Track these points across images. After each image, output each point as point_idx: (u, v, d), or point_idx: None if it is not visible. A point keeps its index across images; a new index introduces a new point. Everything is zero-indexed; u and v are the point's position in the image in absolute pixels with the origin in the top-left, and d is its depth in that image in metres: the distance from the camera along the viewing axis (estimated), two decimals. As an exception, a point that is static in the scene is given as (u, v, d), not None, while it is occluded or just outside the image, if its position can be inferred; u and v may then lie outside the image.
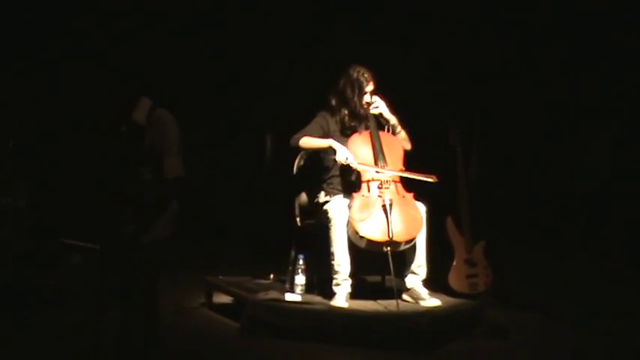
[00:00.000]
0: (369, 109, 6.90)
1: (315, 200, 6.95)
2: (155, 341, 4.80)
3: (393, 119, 6.99)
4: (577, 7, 9.04)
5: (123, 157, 4.73)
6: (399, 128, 7.00)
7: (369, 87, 6.89)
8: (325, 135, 6.87)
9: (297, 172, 7.06)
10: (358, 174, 6.77)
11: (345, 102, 6.91)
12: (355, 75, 6.88)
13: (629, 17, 8.92)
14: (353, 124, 6.92)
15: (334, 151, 6.73)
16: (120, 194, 4.68)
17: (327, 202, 6.81)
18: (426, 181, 6.73)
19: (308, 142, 6.81)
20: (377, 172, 6.75)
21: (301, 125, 6.87)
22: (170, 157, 4.68)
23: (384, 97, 6.98)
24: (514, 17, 9.11)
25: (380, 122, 6.98)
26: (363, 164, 6.74)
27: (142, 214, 4.68)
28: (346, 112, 6.91)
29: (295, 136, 6.76)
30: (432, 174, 6.72)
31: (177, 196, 4.81)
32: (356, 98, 6.87)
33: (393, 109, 7.01)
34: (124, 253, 4.70)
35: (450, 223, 7.15)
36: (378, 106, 6.94)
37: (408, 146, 7.03)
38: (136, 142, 4.69)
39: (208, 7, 9.22)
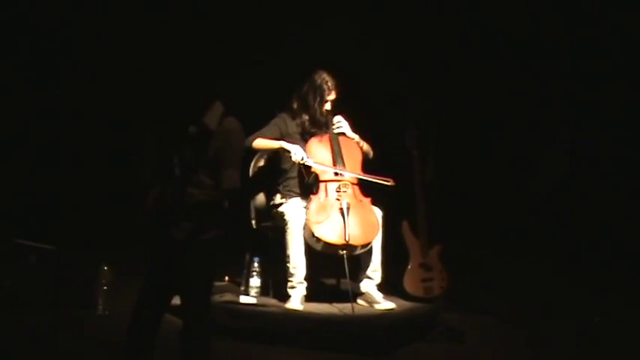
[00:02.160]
0: (332, 128, 6.89)
1: (271, 202, 6.94)
2: (206, 340, 4.79)
3: (355, 137, 6.99)
4: (535, 7, 9.09)
5: (187, 159, 4.71)
6: (362, 143, 7.00)
7: (331, 96, 6.88)
8: (283, 137, 6.85)
9: (253, 173, 7.04)
10: (316, 176, 6.76)
11: (306, 107, 6.90)
12: (319, 82, 6.87)
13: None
14: (313, 130, 6.91)
15: (288, 152, 6.72)
16: (179, 196, 4.68)
17: (283, 204, 6.79)
18: (383, 184, 6.74)
19: (261, 143, 6.78)
20: (335, 173, 6.74)
21: (259, 127, 6.85)
22: (230, 168, 4.70)
23: (347, 117, 6.98)
24: (473, 17, 9.12)
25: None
26: (320, 164, 6.73)
27: (197, 214, 4.69)
28: (306, 117, 6.90)
29: (249, 138, 6.67)
30: (389, 177, 6.73)
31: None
32: (317, 105, 6.87)
33: (353, 125, 7.01)
34: (178, 253, 4.67)
35: (405, 226, 7.16)
36: (342, 126, 6.95)
37: (371, 155, 7.03)
38: (202, 146, 4.69)
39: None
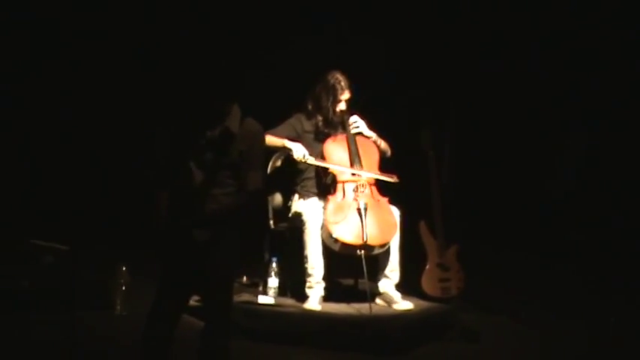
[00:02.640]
0: (348, 128, 6.89)
1: (289, 203, 6.94)
2: (227, 340, 4.82)
3: (372, 135, 7.00)
4: (551, 9, 9.07)
5: (209, 162, 4.73)
6: (379, 141, 7.00)
7: (345, 95, 6.87)
8: (298, 136, 6.86)
9: (270, 173, 7.05)
10: (333, 177, 6.77)
11: (319, 108, 6.90)
12: (332, 82, 6.86)
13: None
14: (327, 130, 6.91)
15: (289, 150, 6.73)
16: (203, 198, 4.71)
17: (301, 204, 6.80)
18: (386, 181, 6.77)
19: (268, 140, 6.76)
20: (352, 173, 6.74)
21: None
22: (254, 170, 4.76)
23: (362, 116, 6.98)
24: (488, 19, 9.11)
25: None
26: (321, 161, 6.75)
27: (221, 216, 4.72)
28: (320, 118, 6.90)
29: None
30: (394, 174, 6.75)
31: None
32: (330, 105, 6.86)
33: (370, 124, 7.01)
34: (201, 253, 4.70)
35: (423, 227, 7.16)
36: (359, 125, 6.95)
37: (389, 153, 7.03)
38: (224, 149, 4.72)
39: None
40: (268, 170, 6.98)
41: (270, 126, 6.70)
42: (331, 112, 6.87)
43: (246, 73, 4.81)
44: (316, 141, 6.88)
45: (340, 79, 6.85)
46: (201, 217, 4.70)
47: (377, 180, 6.83)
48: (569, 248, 9.01)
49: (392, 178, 6.78)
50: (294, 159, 6.75)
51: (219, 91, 4.76)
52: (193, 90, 5.04)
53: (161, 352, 4.79)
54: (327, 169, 6.77)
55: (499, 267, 8.56)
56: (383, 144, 7.01)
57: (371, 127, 7.02)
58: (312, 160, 6.73)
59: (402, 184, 6.80)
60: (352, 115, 6.96)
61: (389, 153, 7.03)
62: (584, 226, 9.17)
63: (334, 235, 6.52)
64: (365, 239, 6.46)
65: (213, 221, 4.69)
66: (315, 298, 6.58)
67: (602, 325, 7.21)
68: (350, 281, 7.22)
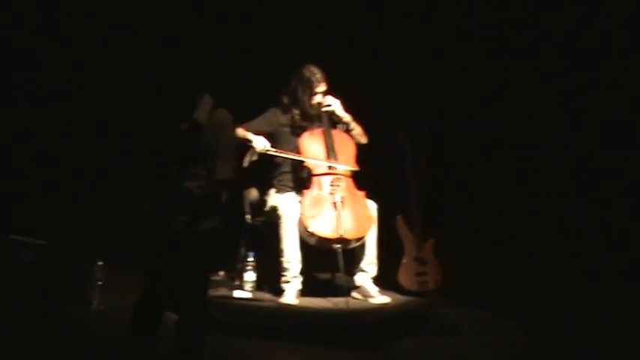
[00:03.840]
0: (322, 109, 6.90)
1: (265, 197, 6.94)
2: (202, 332, 4.84)
3: (346, 117, 6.99)
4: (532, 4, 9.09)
5: (181, 154, 4.76)
6: (352, 124, 7.00)
7: (321, 88, 6.88)
8: (274, 130, 6.87)
9: (247, 167, 7.04)
10: (309, 171, 6.78)
11: (295, 101, 6.90)
12: (307, 75, 6.87)
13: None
14: (304, 124, 6.91)
15: (249, 141, 6.74)
16: (175, 190, 4.73)
17: (277, 198, 6.79)
18: (350, 170, 6.81)
19: (238, 133, 6.76)
20: (328, 167, 6.74)
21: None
22: (222, 160, 4.78)
23: (337, 95, 6.98)
24: (469, 9, 9.11)
25: (333, 121, 6.98)
26: (282, 152, 6.76)
27: (194, 207, 4.73)
28: (297, 111, 6.91)
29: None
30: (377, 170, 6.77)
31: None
32: (306, 98, 6.87)
33: (346, 107, 7.00)
34: (176, 245, 4.72)
35: (400, 221, 7.16)
36: (331, 104, 6.93)
37: (364, 140, 7.04)
38: (194, 141, 4.75)
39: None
40: (245, 164, 6.98)
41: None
42: (308, 105, 6.88)
43: (216, 63, 4.82)
44: (293, 135, 6.88)
45: (315, 72, 6.86)
46: (175, 210, 4.70)
47: (353, 174, 6.83)
48: (548, 242, 9.01)
49: (354, 167, 6.81)
50: (256, 151, 6.76)
51: (186, 82, 4.77)
52: (163, 83, 5.04)
53: (146, 347, 4.79)
54: (303, 162, 6.77)
55: (476, 261, 8.56)
56: (357, 128, 7.01)
57: (347, 109, 7.01)
58: (272, 151, 6.73)
59: (379, 178, 6.81)
60: (326, 95, 6.96)
61: (364, 139, 7.02)
62: (564, 220, 9.18)
63: (310, 229, 6.52)
64: (341, 233, 6.46)
65: (185, 213, 4.69)
66: (291, 293, 6.57)
67: (583, 318, 7.23)
68: (327, 275, 7.23)
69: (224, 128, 4.82)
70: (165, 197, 4.76)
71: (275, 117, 6.91)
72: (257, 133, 6.80)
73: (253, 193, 7.08)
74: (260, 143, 6.72)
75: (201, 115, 4.76)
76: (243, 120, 6.72)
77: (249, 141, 6.73)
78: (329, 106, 6.92)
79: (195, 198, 4.71)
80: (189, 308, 4.79)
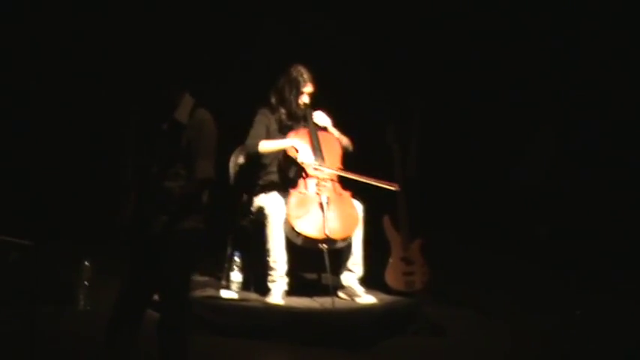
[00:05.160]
0: (309, 115, 6.90)
1: (252, 197, 6.93)
2: (183, 332, 4.80)
3: (335, 133, 7.01)
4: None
5: (162, 154, 4.75)
6: (341, 137, 7.00)
7: (308, 88, 6.88)
8: (269, 133, 6.86)
9: (233, 168, 7.05)
10: (296, 171, 6.78)
11: (282, 101, 6.90)
12: (294, 75, 6.87)
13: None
14: (290, 123, 6.91)
15: (297, 151, 6.73)
16: (156, 190, 4.72)
17: (263, 199, 6.79)
18: (388, 189, 6.82)
19: (267, 146, 6.77)
20: (314, 168, 6.74)
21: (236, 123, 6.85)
22: (203, 160, 4.75)
23: (328, 113, 6.99)
24: (452, 11, 9.12)
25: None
26: (327, 167, 6.75)
27: (174, 207, 4.71)
28: (283, 111, 6.90)
29: (250, 143, 6.76)
30: (370, 172, 6.76)
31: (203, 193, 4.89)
32: (293, 98, 6.87)
33: (333, 120, 7.02)
34: (155, 245, 4.71)
35: (387, 221, 7.18)
36: (322, 121, 6.95)
37: (351, 149, 7.04)
38: (175, 140, 4.73)
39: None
40: (230, 166, 6.98)
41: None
42: (294, 105, 6.88)
43: (198, 63, 4.82)
44: (279, 134, 6.87)
45: (303, 72, 6.86)
46: (155, 210, 4.70)
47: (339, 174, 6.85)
48: (535, 241, 9.03)
49: (393, 186, 6.85)
50: (270, 156, 6.82)
51: (167, 81, 4.77)
52: (144, 83, 5.03)
53: (124, 348, 4.79)
54: (293, 163, 6.76)
55: (463, 261, 8.58)
56: (345, 140, 7.02)
57: (334, 124, 7.02)
58: (316, 165, 6.74)
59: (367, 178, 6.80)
60: (317, 110, 6.96)
61: (351, 148, 7.03)
62: (551, 219, 9.19)
63: (296, 229, 6.53)
64: (327, 233, 6.48)
65: (164, 212, 4.69)
66: (277, 292, 6.58)
67: (568, 318, 7.24)
68: (313, 275, 7.25)
69: (205, 127, 4.81)
70: (147, 197, 4.76)
71: (267, 119, 6.90)
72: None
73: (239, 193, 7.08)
74: (308, 157, 6.74)
75: (182, 115, 4.76)
76: (223, 120, 6.72)
77: (297, 150, 6.73)
78: (320, 121, 6.94)
79: (176, 197, 4.70)
80: (171, 309, 4.78)
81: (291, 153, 6.76)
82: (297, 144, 6.75)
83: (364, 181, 6.80)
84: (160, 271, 4.73)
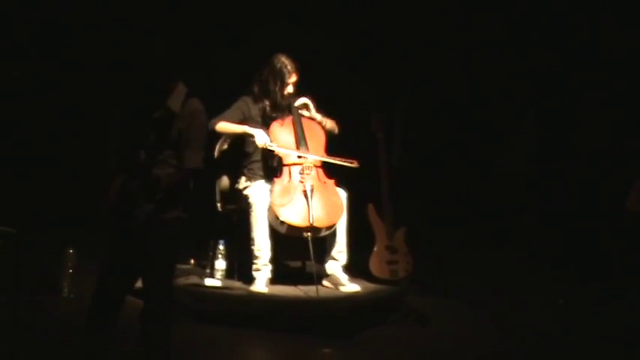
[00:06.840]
0: (293, 104, 6.88)
1: (236, 185, 6.93)
2: (167, 320, 4.77)
3: (317, 117, 6.99)
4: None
5: (151, 141, 4.71)
6: (324, 121, 6.99)
7: (292, 78, 6.86)
8: (245, 120, 6.83)
9: (218, 156, 7.04)
10: (280, 159, 6.77)
11: (266, 92, 6.86)
12: (278, 66, 6.83)
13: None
14: (274, 114, 6.88)
15: (252, 137, 6.71)
16: (144, 177, 4.68)
17: (247, 187, 6.79)
18: (347, 166, 6.75)
19: (224, 127, 6.75)
20: (299, 156, 6.75)
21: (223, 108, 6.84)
22: (192, 150, 4.71)
23: (310, 97, 6.97)
24: (440, 3, 9.11)
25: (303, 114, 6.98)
26: (284, 147, 6.73)
27: (160, 195, 4.68)
28: (267, 102, 6.87)
29: (213, 120, 6.62)
30: (353, 159, 6.74)
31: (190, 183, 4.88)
32: (278, 89, 6.84)
33: (317, 105, 7.00)
34: (140, 233, 4.68)
35: (371, 209, 7.19)
36: (307, 104, 6.93)
37: (336, 131, 7.03)
38: (166, 128, 4.70)
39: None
40: (215, 154, 6.97)
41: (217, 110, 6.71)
42: (279, 96, 6.85)
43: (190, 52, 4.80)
44: (264, 125, 6.85)
45: (287, 63, 6.83)
46: (141, 197, 4.68)
47: (323, 162, 6.83)
48: (519, 231, 9.05)
49: (352, 163, 6.77)
50: (256, 145, 6.74)
51: (159, 70, 4.75)
52: (136, 70, 5.02)
53: (104, 334, 4.78)
54: (274, 151, 6.75)
55: (447, 249, 8.59)
56: (329, 123, 7.00)
57: (318, 109, 7.01)
58: (274, 147, 6.71)
59: (351, 167, 6.79)
60: (301, 97, 6.95)
61: (336, 131, 7.03)
62: (535, 208, 9.21)
63: (280, 218, 6.53)
64: (311, 221, 6.47)
65: (150, 200, 4.68)
66: (262, 281, 6.59)
67: (551, 307, 7.27)
68: (297, 263, 7.25)
69: (197, 117, 4.79)
70: (133, 184, 4.74)
71: (246, 106, 6.88)
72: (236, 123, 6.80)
73: (224, 182, 7.06)
74: (262, 139, 6.69)
75: (174, 104, 4.74)
76: (212, 109, 6.70)
77: (251, 135, 6.70)
78: (305, 106, 6.92)
79: (163, 185, 4.69)
80: (155, 298, 4.78)
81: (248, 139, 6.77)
82: (248, 129, 6.72)
83: (324, 160, 6.80)
84: (142, 260, 4.72)
